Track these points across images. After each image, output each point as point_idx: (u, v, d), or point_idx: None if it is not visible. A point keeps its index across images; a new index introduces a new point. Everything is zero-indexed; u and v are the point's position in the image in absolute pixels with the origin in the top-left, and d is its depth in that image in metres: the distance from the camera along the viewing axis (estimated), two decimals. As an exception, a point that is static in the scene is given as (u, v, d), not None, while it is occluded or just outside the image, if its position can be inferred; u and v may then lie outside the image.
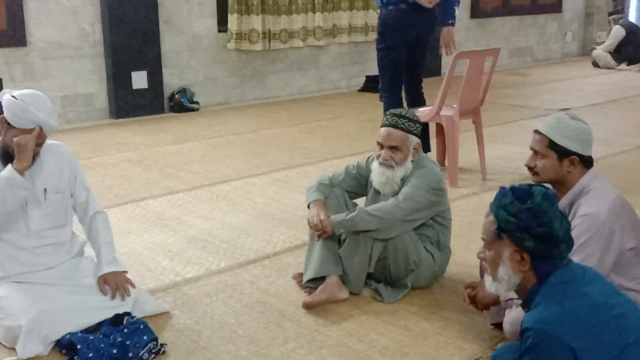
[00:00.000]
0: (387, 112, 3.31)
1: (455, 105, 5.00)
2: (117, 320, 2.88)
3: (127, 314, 2.94)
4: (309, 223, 3.16)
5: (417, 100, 5.42)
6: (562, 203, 2.61)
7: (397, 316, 3.09)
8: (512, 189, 2.12)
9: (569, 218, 2.53)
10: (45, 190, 3.06)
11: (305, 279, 3.27)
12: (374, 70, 10.17)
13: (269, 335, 2.95)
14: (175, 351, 2.84)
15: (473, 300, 2.80)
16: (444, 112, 4.97)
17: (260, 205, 4.64)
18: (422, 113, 5.09)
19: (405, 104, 5.48)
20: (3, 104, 2.98)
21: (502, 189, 2.15)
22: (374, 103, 8.53)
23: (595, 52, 11.28)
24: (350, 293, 3.23)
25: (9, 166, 2.85)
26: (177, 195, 4.88)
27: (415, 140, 3.23)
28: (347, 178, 3.44)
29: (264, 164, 5.69)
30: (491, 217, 2.12)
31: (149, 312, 3.11)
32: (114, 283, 3.03)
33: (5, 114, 2.95)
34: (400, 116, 3.24)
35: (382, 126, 3.29)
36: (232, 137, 6.71)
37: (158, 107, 7.81)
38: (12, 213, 2.95)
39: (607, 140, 6.20)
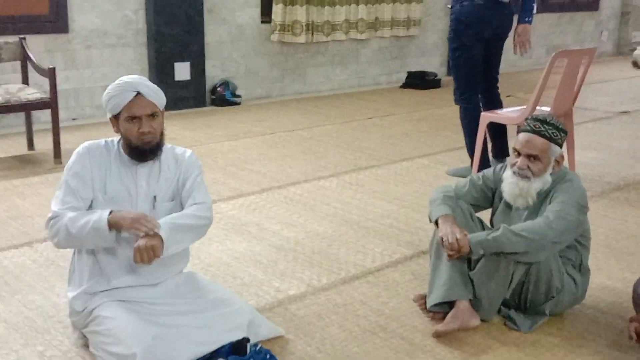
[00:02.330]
0: (529, 117, 2.96)
1: (548, 108, 4.67)
2: (238, 348, 2.56)
3: (247, 340, 2.61)
4: (442, 241, 2.83)
5: (494, 101, 5.08)
6: None
7: (540, 349, 2.77)
8: None
9: None
10: (155, 197, 2.73)
11: (430, 302, 2.94)
12: (415, 66, 9.92)
13: (403, 368, 2.64)
14: (304, 386, 2.52)
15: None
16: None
17: (341, 212, 4.31)
18: (512, 115, 4.77)
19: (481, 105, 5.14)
20: (104, 106, 2.70)
21: None
22: (420, 100, 8.24)
23: (636, 53, 10.97)
24: (481, 320, 2.91)
25: (104, 215, 2.54)
26: (249, 198, 4.55)
27: (558, 150, 2.90)
28: (472, 190, 3.11)
29: (329, 164, 5.36)
30: None
31: (263, 336, 2.78)
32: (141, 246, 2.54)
33: (107, 109, 2.67)
34: (543, 122, 2.90)
35: (520, 131, 2.95)
36: (284, 134, 6.37)
37: (200, 100, 7.46)
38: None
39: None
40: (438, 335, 2.83)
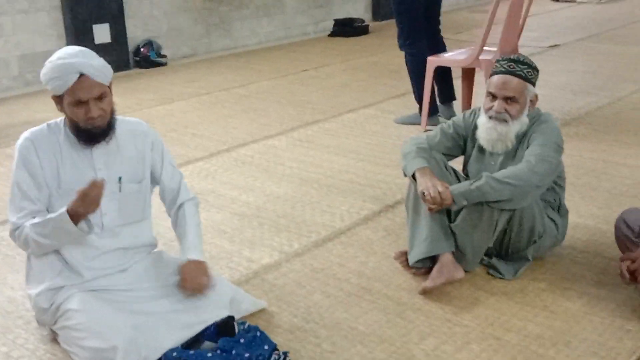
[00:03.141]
0: (501, 58, 2.85)
1: (494, 48, 4.60)
2: (225, 328, 2.40)
3: (232, 318, 2.45)
4: (423, 195, 2.71)
5: (438, 45, 4.97)
6: None
7: (529, 295, 2.73)
8: None
9: None
10: (120, 179, 2.50)
11: (413, 259, 2.84)
12: (341, 13, 9.71)
13: (397, 330, 2.53)
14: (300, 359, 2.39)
15: (633, 275, 2.46)
16: (483, 55, 4.57)
17: (297, 171, 4.15)
18: (460, 58, 4.68)
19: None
20: (42, 81, 2.41)
21: None
22: (351, 48, 8.07)
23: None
24: (464, 271, 2.84)
25: (62, 211, 2.31)
26: (197, 164, 4.32)
27: (533, 90, 2.81)
28: (444, 139, 3.01)
29: (274, 122, 5.17)
30: None
31: (246, 311, 2.63)
32: (191, 282, 2.47)
33: (48, 88, 2.39)
34: (517, 62, 2.80)
35: (493, 73, 2.84)
36: (220, 93, 6.11)
37: (123, 63, 7.07)
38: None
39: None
40: (425, 292, 2.74)
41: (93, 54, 2.41)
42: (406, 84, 6.05)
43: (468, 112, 3.05)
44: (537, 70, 2.84)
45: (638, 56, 7.03)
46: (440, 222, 2.83)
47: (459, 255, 2.83)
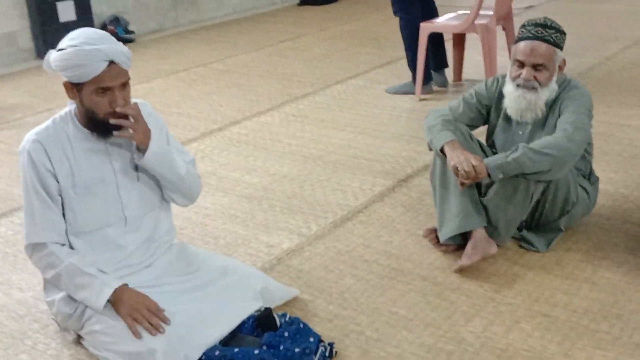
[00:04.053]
0: (527, 22, 2.73)
1: (490, 12, 4.48)
2: (265, 322, 2.26)
3: (269, 310, 2.32)
4: (456, 170, 2.59)
5: (431, 10, 4.83)
6: None
7: (568, 268, 2.65)
8: None
9: None
10: (136, 167, 2.32)
11: (445, 235, 2.73)
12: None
13: (440, 313, 2.43)
14: (346, 349, 2.26)
15: None
16: (478, 20, 4.45)
17: (297, 148, 4.00)
18: (455, 23, 4.56)
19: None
20: (54, 65, 2.19)
21: None
22: (325, 17, 7.87)
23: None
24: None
25: (104, 292, 2.18)
26: (191, 145, 4.13)
27: (561, 55, 2.70)
28: (467, 109, 2.89)
29: (261, 97, 4.98)
30: None
31: (279, 300, 2.49)
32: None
33: (65, 74, 2.17)
34: (544, 26, 2.67)
35: (520, 39, 2.71)
36: (198, 69, 5.88)
37: (91, 41, 6.74)
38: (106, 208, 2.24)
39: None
40: (461, 270, 2.65)
41: (113, 38, 2.22)
42: (390, 52, 5.94)
43: (490, 80, 2.93)
44: (565, 34, 2.73)
45: (613, 14, 7.00)
46: (471, 197, 2.72)
47: (491, 229, 2.73)
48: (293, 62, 5.91)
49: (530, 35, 2.68)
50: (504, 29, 4.78)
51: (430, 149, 2.81)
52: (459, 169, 2.58)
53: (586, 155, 2.81)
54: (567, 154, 2.55)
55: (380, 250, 2.86)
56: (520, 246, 2.80)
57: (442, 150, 2.70)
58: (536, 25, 2.69)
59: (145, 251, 2.38)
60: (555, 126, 2.68)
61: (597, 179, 2.90)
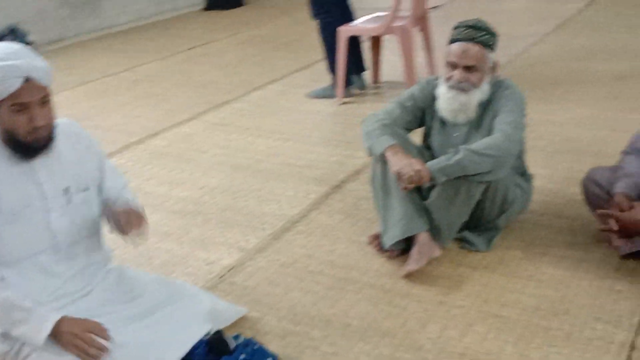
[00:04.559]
0: (459, 24, 2.74)
1: (407, 14, 4.51)
2: (218, 346, 2.16)
3: (220, 333, 2.22)
4: (399, 175, 2.57)
5: (348, 13, 4.81)
6: None
7: (510, 266, 2.68)
8: None
9: None
10: (66, 190, 2.16)
11: (389, 241, 2.71)
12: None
13: (394, 320, 2.40)
14: (304, 368, 2.20)
15: (623, 231, 2.45)
16: (396, 22, 4.47)
17: (224, 158, 3.89)
18: (373, 26, 4.56)
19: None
20: None
21: None
22: (232, 21, 7.76)
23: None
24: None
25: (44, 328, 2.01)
26: (110, 160, 3.93)
27: (493, 56, 2.73)
28: (403, 113, 2.87)
29: (179, 106, 4.84)
30: None
31: (227, 321, 2.39)
32: (130, 220, 2.18)
33: None
34: (476, 28, 2.69)
35: (452, 41, 2.73)
36: (108, 79, 5.65)
37: (-13, 53, 6.37)
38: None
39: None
40: (409, 275, 2.63)
41: (31, 52, 2.05)
42: (305, 56, 5.91)
43: (424, 81, 2.93)
44: (496, 35, 2.76)
45: (515, 12, 7.25)
46: (414, 201, 2.71)
47: (434, 232, 2.73)
48: (207, 69, 5.78)
49: (462, 37, 2.70)
50: (420, 30, 4.83)
51: (370, 155, 2.78)
52: (402, 173, 2.56)
53: (520, 153, 2.85)
54: (507, 153, 2.58)
55: (325, 260, 2.80)
56: (462, 247, 2.82)
57: (382, 155, 2.68)
58: (468, 27, 2.71)
59: (82, 278, 2.23)
60: (490, 126, 2.71)
61: (531, 176, 2.96)
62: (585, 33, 6.17)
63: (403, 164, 2.58)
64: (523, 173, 2.90)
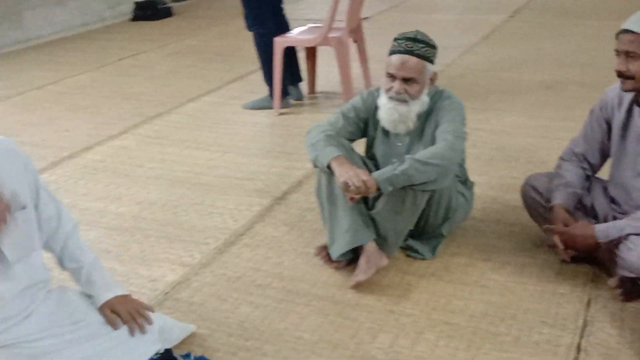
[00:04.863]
0: (398, 36, 2.76)
1: (341, 24, 4.54)
2: (168, 366, 2.10)
3: (170, 352, 2.16)
4: (346, 186, 2.57)
5: (283, 24, 4.81)
6: None
7: (456, 273, 2.72)
8: None
9: None
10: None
11: (337, 252, 2.70)
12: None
13: (345, 332, 2.39)
14: (257, 384, 2.17)
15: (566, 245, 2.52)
16: (331, 33, 4.49)
17: (162, 171, 3.81)
18: (309, 37, 4.57)
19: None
20: None
21: None
22: (162, 32, 7.64)
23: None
24: (386, 256, 2.76)
25: None
26: (42, 176, 3.79)
27: (432, 68, 2.77)
28: (346, 123, 2.88)
29: (111, 120, 4.72)
30: None
31: (176, 340, 2.33)
32: (127, 312, 2.19)
33: None
34: (415, 40, 2.73)
35: (391, 53, 2.75)
36: (34, 92, 5.47)
37: None
38: None
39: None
40: (358, 286, 2.63)
41: None
42: (239, 67, 5.87)
43: (366, 92, 2.94)
44: (436, 47, 2.80)
45: (443, 23, 7.40)
46: (360, 211, 2.71)
47: (381, 241, 2.74)
48: (138, 81, 5.66)
49: (401, 49, 2.72)
50: (354, 41, 4.87)
51: (316, 166, 2.77)
52: (349, 184, 2.56)
53: (462, 162, 2.90)
54: (451, 162, 2.62)
55: (272, 272, 2.77)
56: (408, 255, 2.84)
57: (328, 167, 2.67)
58: (407, 39, 2.74)
59: (23, 300, 2.13)
60: (432, 136, 2.74)
61: (473, 183, 3.01)
62: (512, 43, 6.35)
63: (350, 174, 2.58)
64: (464, 181, 2.95)
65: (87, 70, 6.06)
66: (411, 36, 2.75)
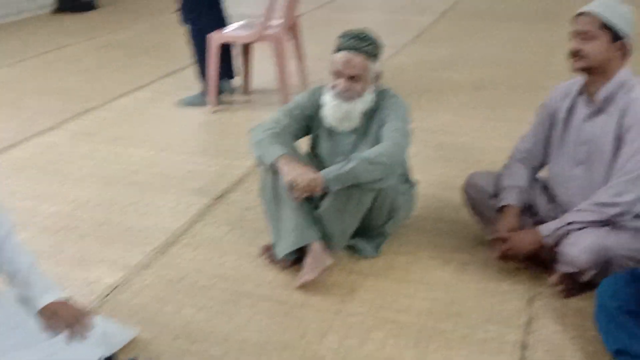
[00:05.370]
0: (343, 34, 2.75)
1: (279, 21, 4.50)
2: (113, 373, 2.03)
3: (112, 357, 2.08)
4: (292, 185, 2.54)
5: (221, 19, 4.70)
6: (600, 95, 2.46)
7: (400, 271, 2.73)
8: None
9: (610, 113, 2.43)
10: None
11: (282, 252, 2.67)
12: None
13: (293, 333, 2.36)
14: (206, 389, 2.11)
15: (507, 253, 2.57)
16: (268, 30, 4.44)
17: (94, 169, 3.68)
18: (245, 33, 4.51)
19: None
20: None
21: None
22: (87, 26, 7.42)
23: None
24: (330, 255, 2.75)
25: None
26: (-34, 174, 3.62)
27: (377, 66, 2.77)
28: (292, 121, 2.84)
29: (39, 115, 4.53)
30: None
31: (120, 343, 2.25)
32: (67, 317, 2.10)
33: None
34: (360, 38, 2.72)
35: (337, 50, 2.74)
36: (-49, 86, 5.20)
37: None
38: None
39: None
40: (304, 286, 2.61)
41: None
42: (171, 62, 5.75)
43: (311, 90, 2.92)
44: (381, 46, 2.80)
45: (372, 23, 7.42)
46: (305, 210, 2.69)
47: (326, 240, 2.72)
48: (65, 75, 5.47)
49: (346, 46, 2.71)
50: (291, 38, 4.84)
51: (261, 164, 2.73)
52: (296, 183, 2.54)
53: (404, 161, 2.92)
54: (397, 161, 2.63)
55: (215, 273, 2.72)
56: (352, 254, 2.84)
57: (274, 165, 2.64)
58: (352, 37, 2.73)
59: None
60: (377, 135, 2.74)
61: (415, 182, 3.03)
62: (441, 44, 6.45)
63: (296, 173, 2.55)
64: (407, 180, 2.97)
65: (9, 63, 5.82)
66: (357, 34, 2.75)
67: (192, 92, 4.80)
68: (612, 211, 2.37)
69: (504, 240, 2.57)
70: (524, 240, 2.52)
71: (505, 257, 2.58)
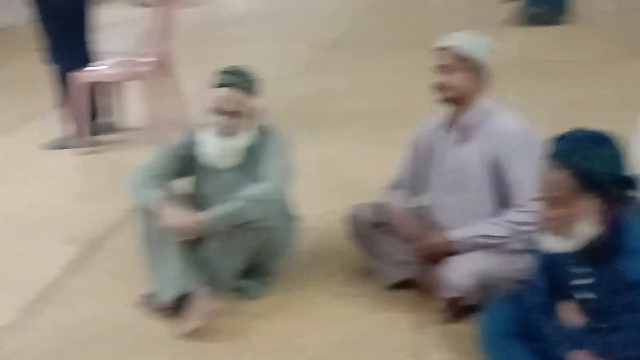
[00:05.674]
0: (220, 70, 2.70)
1: (150, 58, 4.36)
2: None
3: None
4: (175, 228, 2.42)
5: (87, 58, 4.48)
6: (464, 123, 2.55)
7: (295, 311, 2.65)
8: (581, 135, 1.93)
9: (476, 140, 2.51)
10: None
11: (166, 300, 2.53)
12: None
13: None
14: None
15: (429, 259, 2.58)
16: (141, 67, 4.31)
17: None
18: (113, 72, 4.34)
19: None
20: None
21: (564, 137, 1.94)
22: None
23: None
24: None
25: None
26: None
27: (256, 101, 2.73)
28: (169, 163, 2.73)
29: None
30: (565, 172, 1.90)
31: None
32: None
33: None
34: (238, 74, 2.68)
35: (214, 86, 2.67)
36: None
37: None
38: None
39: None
40: (193, 333, 2.48)
41: None
42: (33, 104, 5.43)
43: (185, 130, 2.85)
44: (257, 80, 2.77)
45: (253, 55, 7.31)
46: (188, 254, 2.58)
47: (212, 283, 2.61)
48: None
49: (224, 82, 2.67)
50: (164, 75, 4.70)
51: (137, 209, 2.60)
52: (177, 227, 2.44)
53: (287, 197, 2.87)
54: (279, 199, 2.61)
55: (96, 330, 2.54)
56: (240, 296, 2.74)
57: (152, 210, 2.52)
58: (230, 73, 2.70)
59: None
60: (259, 171, 2.69)
61: (296, 217, 2.97)
62: (326, 75, 6.32)
63: (178, 216, 2.46)
64: (287, 215, 2.90)
65: None
66: (233, 70, 2.72)
67: (59, 135, 4.54)
68: (523, 229, 2.42)
69: (424, 247, 2.58)
70: (433, 240, 2.55)
71: (424, 256, 2.59)
